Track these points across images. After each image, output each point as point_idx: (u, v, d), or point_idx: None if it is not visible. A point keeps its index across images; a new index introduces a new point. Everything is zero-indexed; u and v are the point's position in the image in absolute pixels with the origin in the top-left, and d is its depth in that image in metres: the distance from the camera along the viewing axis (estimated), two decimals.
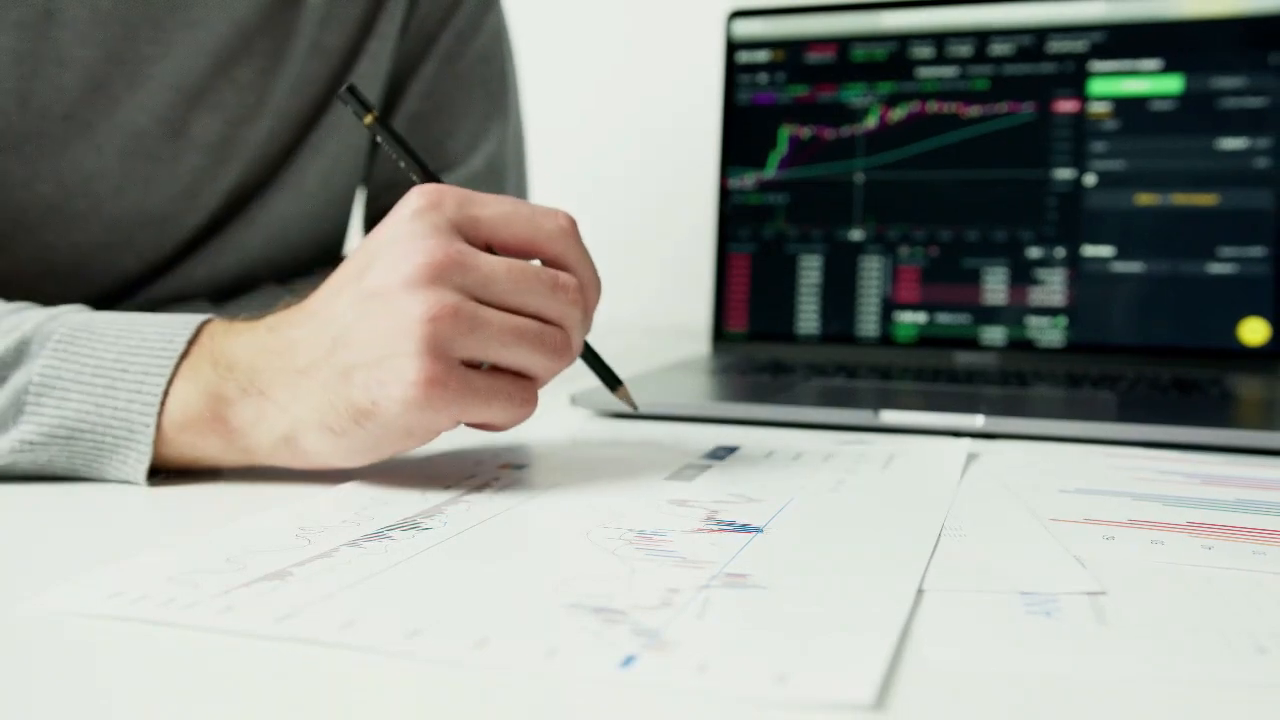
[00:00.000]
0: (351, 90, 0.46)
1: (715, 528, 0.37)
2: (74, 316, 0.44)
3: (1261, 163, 0.80)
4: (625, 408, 0.51)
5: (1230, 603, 0.30)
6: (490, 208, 0.42)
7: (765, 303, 0.90)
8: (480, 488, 0.43)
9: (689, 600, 0.29)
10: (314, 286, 0.44)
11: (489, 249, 0.42)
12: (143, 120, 0.62)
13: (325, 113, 0.69)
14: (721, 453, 0.51)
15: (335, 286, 0.42)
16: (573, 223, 0.44)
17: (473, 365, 0.41)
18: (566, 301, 0.42)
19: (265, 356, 0.42)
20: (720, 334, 0.91)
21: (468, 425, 0.44)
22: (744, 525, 0.37)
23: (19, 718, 0.23)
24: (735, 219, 0.92)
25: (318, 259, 0.74)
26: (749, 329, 0.91)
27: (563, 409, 0.63)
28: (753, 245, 0.91)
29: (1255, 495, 0.43)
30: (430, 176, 0.47)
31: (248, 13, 0.63)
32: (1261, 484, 0.46)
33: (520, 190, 0.81)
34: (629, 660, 0.25)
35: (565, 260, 0.43)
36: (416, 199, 0.41)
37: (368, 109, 0.46)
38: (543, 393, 0.71)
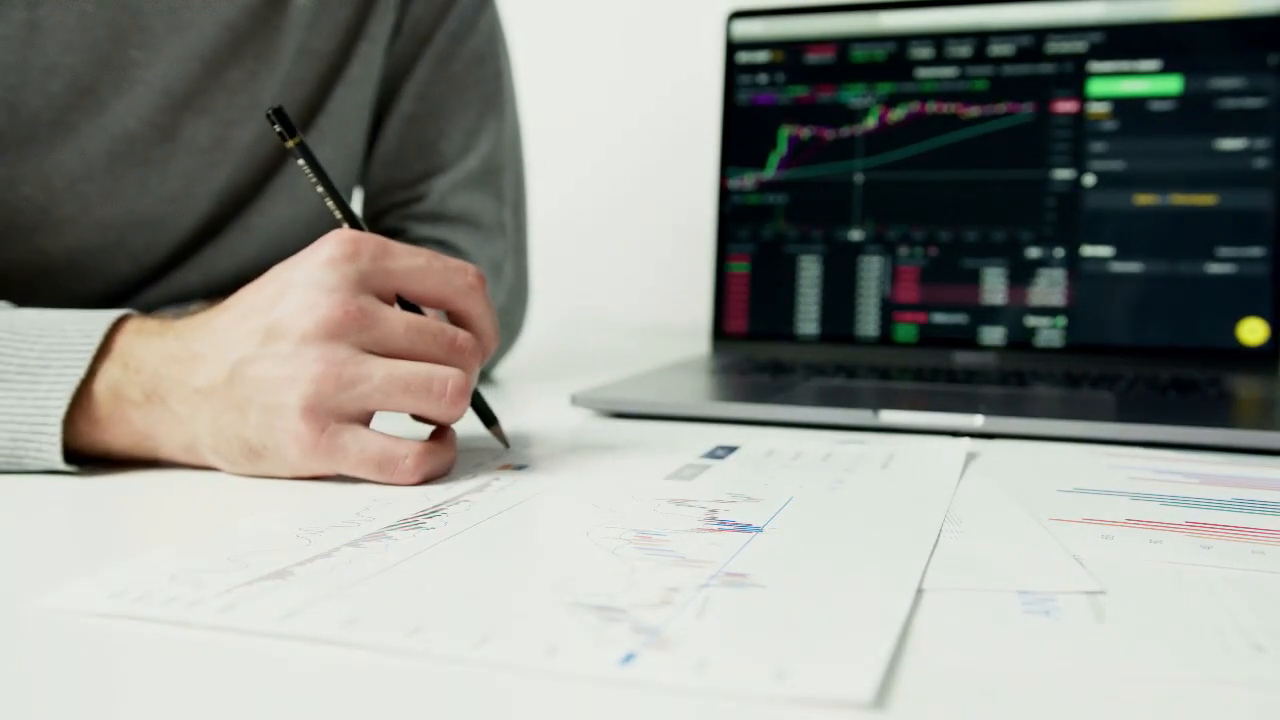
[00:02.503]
0: (277, 113, 0.47)
1: (715, 527, 0.37)
2: None
3: (1260, 163, 0.80)
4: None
5: (1228, 602, 0.30)
6: (403, 261, 0.44)
7: (765, 303, 0.91)
8: (480, 487, 0.43)
9: (689, 599, 0.29)
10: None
11: (399, 297, 0.45)
12: (131, 124, 0.61)
13: (317, 116, 0.69)
14: (721, 452, 0.51)
15: (242, 310, 0.44)
16: (481, 279, 0.46)
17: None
18: (461, 361, 0.44)
19: (168, 365, 0.44)
20: (720, 334, 0.92)
21: None
22: (743, 525, 0.37)
23: (21, 718, 0.23)
24: (735, 219, 0.92)
25: None
26: (749, 329, 0.91)
27: (563, 409, 0.63)
28: (752, 245, 0.91)
29: (1254, 495, 0.44)
30: (348, 212, 0.48)
31: (236, 15, 0.63)
32: (1260, 484, 0.46)
33: (518, 190, 0.81)
34: (629, 658, 0.25)
35: (470, 315, 0.46)
36: (335, 246, 0.43)
37: (291, 133, 0.47)
38: (543, 393, 0.71)
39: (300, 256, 0.44)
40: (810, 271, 0.90)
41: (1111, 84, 0.84)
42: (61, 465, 0.43)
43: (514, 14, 0.89)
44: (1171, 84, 0.83)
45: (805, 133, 0.91)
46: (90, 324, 0.44)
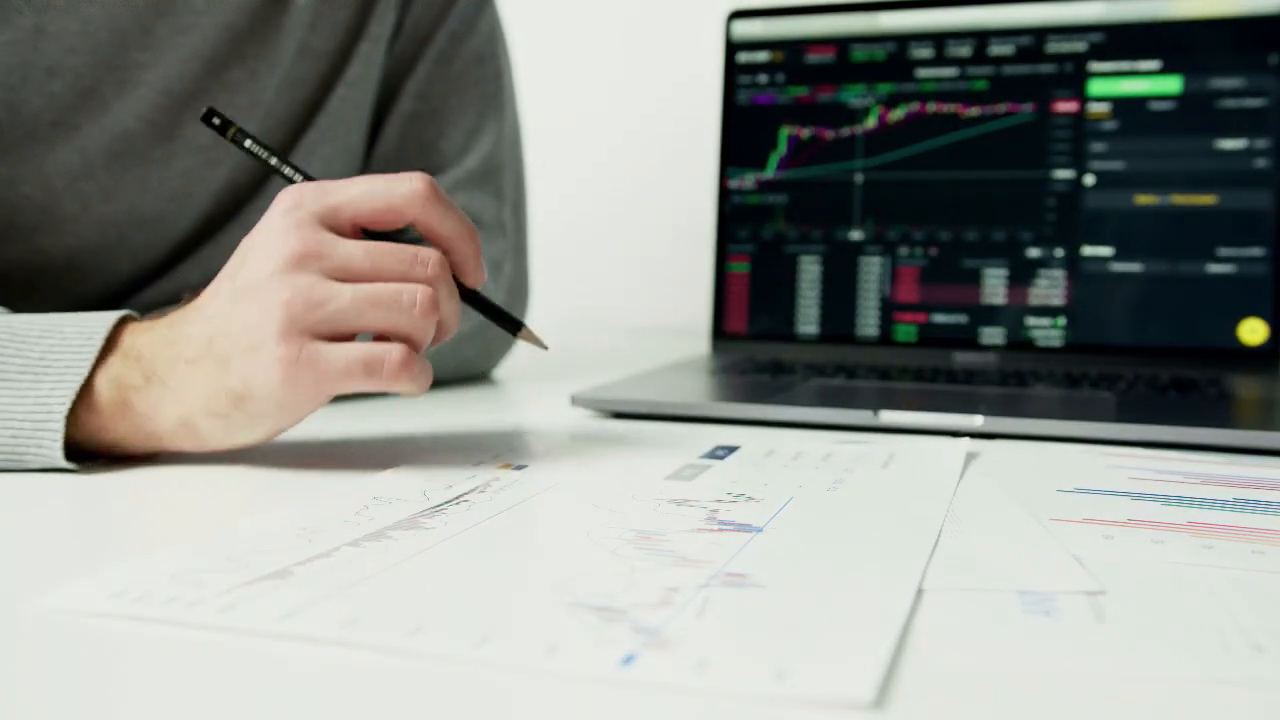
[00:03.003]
0: (211, 113, 0.48)
1: (715, 527, 0.37)
2: None
3: (1260, 163, 0.80)
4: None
5: (1229, 602, 0.30)
6: (346, 191, 0.45)
7: (765, 303, 0.91)
8: (481, 487, 0.43)
9: (689, 599, 0.29)
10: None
11: (359, 231, 0.46)
12: (131, 124, 0.62)
13: (317, 115, 0.69)
14: (721, 452, 0.51)
15: (216, 285, 0.46)
16: (429, 184, 0.45)
17: (345, 338, 0.44)
18: (425, 272, 0.45)
19: (163, 348, 0.45)
20: (720, 334, 0.92)
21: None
22: (743, 525, 0.37)
23: (21, 717, 0.23)
24: (735, 219, 0.92)
25: None
26: (749, 329, 0.91)
27: (563, 409, 0.63)
28: (752, 245, 0.91)
29: (1254, 495, 0.44)
30: (306, 177, 0.49)
31: (236, 16, 0.63)
32: (1261, 484, 0.46)
33: (517, 190, 0.81)
34: (629, 658, 0.25)
35: (427, 220, 0.46)
36: (279, 202, 0.45)
37: (228, 125, 0.48)
38: (543, 393, 0.71)
39: (259, 224, 0.45)
40: (810, 271, 0.90)
41: (1111, 84, 0.84)
42: (63, 463, 0.44)
43: (514, 14, 0.89)
44: (1171, 84, 0.83)
45: (805, 133, 0.91)
46: (89, 325, 0.45)
